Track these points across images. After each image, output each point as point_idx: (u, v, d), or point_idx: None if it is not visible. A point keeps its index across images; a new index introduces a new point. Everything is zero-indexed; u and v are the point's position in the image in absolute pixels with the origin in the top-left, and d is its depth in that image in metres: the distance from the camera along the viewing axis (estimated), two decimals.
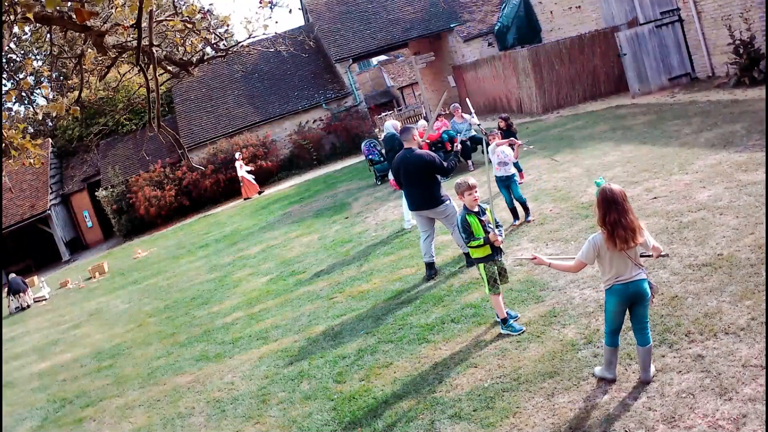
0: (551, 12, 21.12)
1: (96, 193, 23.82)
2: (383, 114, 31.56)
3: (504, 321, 5.28)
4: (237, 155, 21.62)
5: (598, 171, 9.17)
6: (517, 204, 8.10)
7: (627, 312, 3.96)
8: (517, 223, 8.02)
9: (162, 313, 10.05)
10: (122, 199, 23.07)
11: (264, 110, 24.32)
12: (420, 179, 7.03)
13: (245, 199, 21.13)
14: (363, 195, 13.99)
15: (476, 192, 5.34)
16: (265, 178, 23.26)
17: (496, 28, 23.26)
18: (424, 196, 7.04)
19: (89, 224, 26.08)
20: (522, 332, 5.14)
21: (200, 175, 22.25)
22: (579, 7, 19.41)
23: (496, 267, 5.35)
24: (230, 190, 23.14)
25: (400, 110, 39.51)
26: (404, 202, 9.04)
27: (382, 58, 39.77)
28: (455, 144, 13.03)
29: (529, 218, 7.98)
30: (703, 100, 12.20)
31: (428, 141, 12.32)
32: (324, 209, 14.02)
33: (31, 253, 25.97)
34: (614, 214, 3.73)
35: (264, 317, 7.90)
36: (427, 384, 4.85)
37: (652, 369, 3.98)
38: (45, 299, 15.86)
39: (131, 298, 12.05)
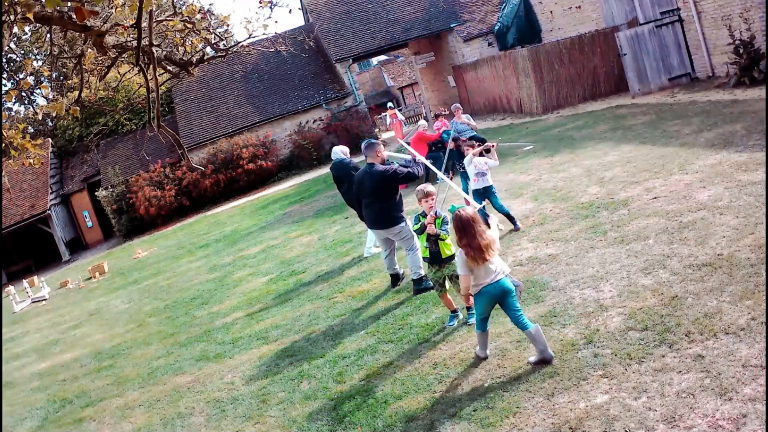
0: (551, 12, 21.12)
1: (96, 193, 23.84)
2: (383, 114, 31.60)
3: (468, 309, 5.62)
4: (389, 105, 22.93)
5: (598, 171, 9.17)
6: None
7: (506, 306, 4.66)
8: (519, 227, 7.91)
9: (162, 313, 10.05)
10: (122, 199, 23.08)
11: (264, 110, 24.33)
12: (378, 196, 6.84)
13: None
14: None
15: (432, 200, 5.74)
16: (265, 178, 23.29)
17: (496, 28, 23.27)
18: (381, 214, 6.88)
19: (89, 224, 26.10)
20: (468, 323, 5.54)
21: (200, 175, 22.28)
22: (579, 7, 19.42)
23: (441, 273, 5.70)
24: (230, 190, 23.16)
25: (400, 110, 39.54)
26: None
27: (382, 58, 39.83)
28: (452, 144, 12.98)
29: (517, 227, 7.79)
30: (703, 100, 12.20)
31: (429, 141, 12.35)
32: (324, 209, 14.02)
33: (31, 253, 25.98)
34: (465, 239, 4.49)
35: (264, 317, 7.90)
36: (427, 384, 4.85)
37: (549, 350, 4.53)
38: (45, 299, 15.86)
39: (131, 298, 12.04)
